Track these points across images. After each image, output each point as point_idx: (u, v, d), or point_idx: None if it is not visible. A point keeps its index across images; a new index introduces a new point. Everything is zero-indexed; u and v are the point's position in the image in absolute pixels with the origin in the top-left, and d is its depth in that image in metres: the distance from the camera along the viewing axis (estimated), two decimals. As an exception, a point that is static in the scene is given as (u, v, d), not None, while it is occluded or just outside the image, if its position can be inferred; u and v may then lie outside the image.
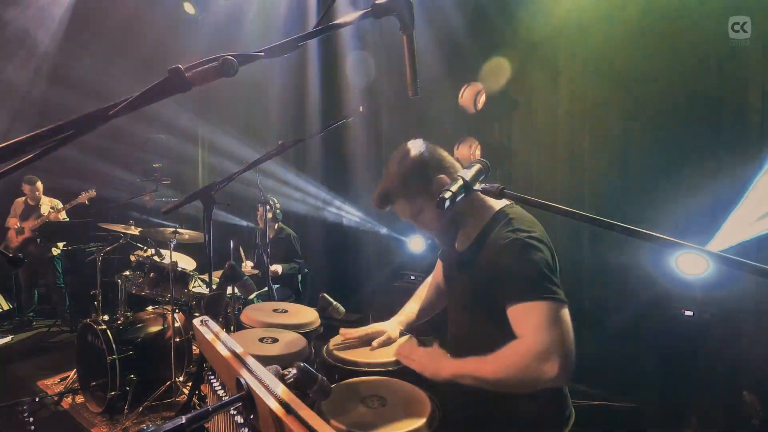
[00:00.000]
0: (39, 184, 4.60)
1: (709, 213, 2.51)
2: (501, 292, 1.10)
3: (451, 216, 1.22)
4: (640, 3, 2.88)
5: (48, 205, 4.66)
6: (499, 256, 1.11)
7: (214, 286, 1.77)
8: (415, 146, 1.23)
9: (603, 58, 3.04)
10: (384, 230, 4.44)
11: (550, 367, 0.98)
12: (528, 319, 1.03)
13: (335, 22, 0.73)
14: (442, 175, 1.19)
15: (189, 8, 5.01)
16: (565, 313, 1.03)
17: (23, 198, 4.68)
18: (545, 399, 1.17)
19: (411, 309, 1.58)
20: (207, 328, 1.09)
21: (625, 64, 2.98)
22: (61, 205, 4.63)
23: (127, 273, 3.27)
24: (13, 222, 4.66)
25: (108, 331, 2.79)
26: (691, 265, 2.50)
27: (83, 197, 4.53)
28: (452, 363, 1.15)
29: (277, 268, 3.66)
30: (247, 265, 3.77)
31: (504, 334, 1.06)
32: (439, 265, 1.53)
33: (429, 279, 1.62)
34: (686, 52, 2.68)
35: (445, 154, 1.25)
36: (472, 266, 1.20)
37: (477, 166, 0.98)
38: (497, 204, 1.22)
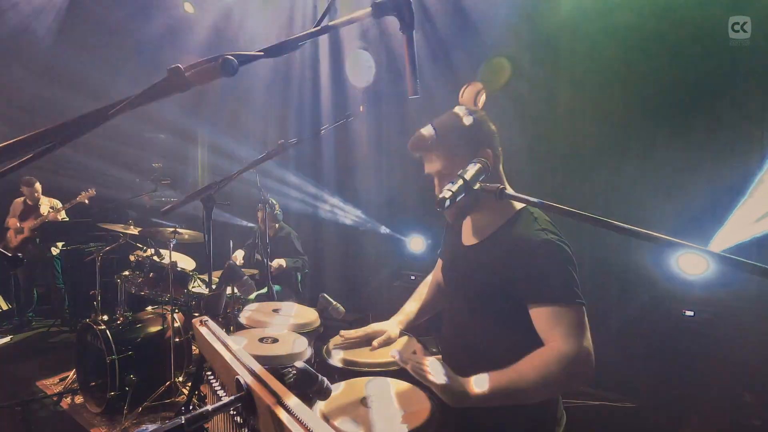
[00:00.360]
0: (37, 185, 4.59)
1: (709, 213, 2.51)
2: (525, 290, 1.09)
3: (474, 198, 1.12)
4: (640, 3, 2.88)
5: (47, 205, 4.66)
6: (531, 253, 1.09)
7: (213, 286, 1.77)
8: (475, 112, 1.21)
9: (603, 57, 3.04)
10: (384, 230, 4.44)
11: (586, 373, 1.03)
12: (560, 323, 1.04)
13: (335, 21, 0.73)
14: (489, 149, 1.16)
15: (189, 8, 5.01)
16: (586, 318, 1.07)
17: (22, 198, 4.67)
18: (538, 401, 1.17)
19: (411, 308, 1.57)
20: (206, 329, 1.09)
21: (625, 64, 2.98)
22: (60, 205, 4.63)
23: (126, 273, 3.26)
24: (12, 222, 4.65)
25: (107, 331, 2.79)
26: (691, 265, 2.50)
27: (83, 196, 4.53)
28: (476, 379, 1.03)
29: (281, 261, 3.65)
30: (237, 257, 3.74)
31: (510, 331, 1.06)
32: (439, 263, 1.52)
33: (429, 278, 1.61)
34: (686, 51, 2.68)
35: (496, 132, 1.22)
36: (487, 261, 1.18)
37: (477, 166, 0.98)
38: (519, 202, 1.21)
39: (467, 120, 1.18)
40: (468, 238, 1.28)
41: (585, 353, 1.02)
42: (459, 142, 1.16)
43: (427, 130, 1.19)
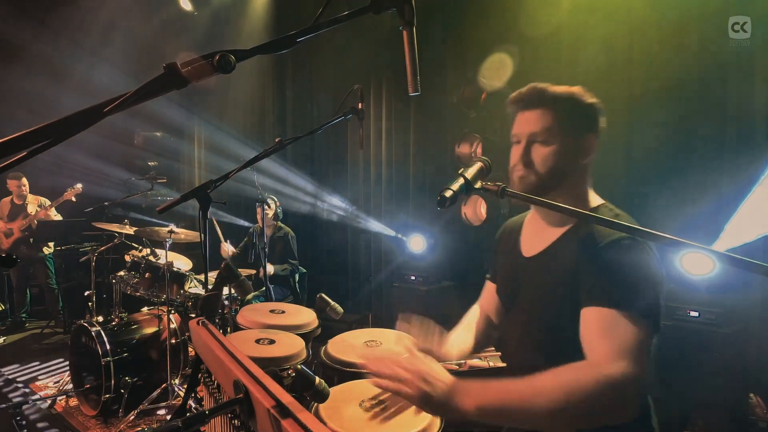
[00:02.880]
0: (24, 180, 4.54)
1: (713, 212, 2.50)
2: (583, 289, 0.92)
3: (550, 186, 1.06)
4: (639, 3, 2.88)
5: (35, 203, 4.59)
6: (601, 251, 0.92)
7: (210, 287, 1.75)
8: (595, 99, 1.11)
9: (604, 56, 3.03)
10: (384, 230, 4.43)
11: (623, 405, 0.81)
12: (612, 333, 0.84)
13: (333, 17, 0.72)
14: (593, 135, 1.10)
15: (186, 4, 4.99)
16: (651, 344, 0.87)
17: (9, 198, 4.60)
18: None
19: (465, 339, 1.28)
20: (203, 330, 1.07)
21: (627, 62, 2.97)
22: (48, 203, 4.56)
23: (121, 273, 3.23)
24: (0, 224, 4.58)
25: (102, 332, 2.76)
26: (696, 265, 2.47)
27: (70, 193, 4.44)
28: (475, 387, 0.81)
29: (270, 268, 3.62)
30: (227, 249, 3.61)
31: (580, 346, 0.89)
32: (489, 288, 1.31)
33: (475, 307, 1.39)
34: (688, 50, 2.68)
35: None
36: (555, 267, 1.03)
37: (478, 164, 0.97)
38: (596, 200, 1.12)
39: (589, 98, 1.08)
40: (530, 248, 1.13)
41: (630, 380, 0.80)
42: (573, 114, 1.06)
43: (548, 86, 1.07)
